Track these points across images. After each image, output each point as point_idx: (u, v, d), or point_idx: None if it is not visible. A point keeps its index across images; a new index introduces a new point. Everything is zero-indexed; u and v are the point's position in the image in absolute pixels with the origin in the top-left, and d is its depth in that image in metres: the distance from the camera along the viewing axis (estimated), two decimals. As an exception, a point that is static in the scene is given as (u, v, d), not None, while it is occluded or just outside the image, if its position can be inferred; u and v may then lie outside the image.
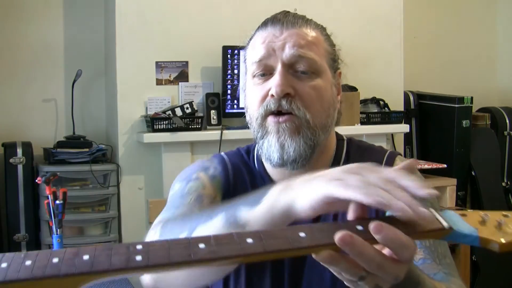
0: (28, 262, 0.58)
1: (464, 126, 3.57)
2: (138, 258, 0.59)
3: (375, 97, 3.48)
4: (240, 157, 1.14)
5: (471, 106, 3.61)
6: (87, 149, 2.93)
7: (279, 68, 1.00)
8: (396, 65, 3.58)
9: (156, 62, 3.00)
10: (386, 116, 3.44)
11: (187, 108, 2.96)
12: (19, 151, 2.86)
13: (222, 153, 1.17)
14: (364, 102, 3.45)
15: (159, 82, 3.02)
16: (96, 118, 3.28)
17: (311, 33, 1.04)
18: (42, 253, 0.60)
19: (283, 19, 1.05)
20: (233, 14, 3.08)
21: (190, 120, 2.94)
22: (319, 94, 1.02)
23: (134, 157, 2.98)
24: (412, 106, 3.77)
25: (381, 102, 3.48)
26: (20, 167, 2.85)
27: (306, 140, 1.00)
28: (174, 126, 2.88)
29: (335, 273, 0.67)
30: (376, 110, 3.47)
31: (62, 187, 2.31)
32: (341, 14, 3.40)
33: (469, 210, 0.72)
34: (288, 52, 1.00)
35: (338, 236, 0.61)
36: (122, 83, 2.95)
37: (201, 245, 0.62)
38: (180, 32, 2.96)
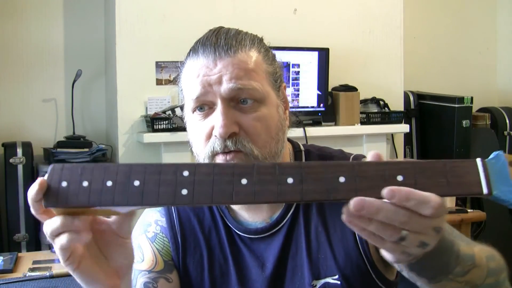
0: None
1: (464, 126, 3.57)
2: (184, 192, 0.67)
3: (375, 97, 3.48)
4: None
5: (471, 106, 3.61)
6: (87, 149, 2.93)
7: (219, 104, 0.94)
8: (396, 65, 3.58)
9: (156, 62, 3.00)
10: (386, 116, 3.44)
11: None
12: (19, 151, 2.86)
13: None
14: (364, 102, 3.45)
15: (159, 82, 3.01)
16: (96, 118, 3.28)
17: (248, 58, 0.96)
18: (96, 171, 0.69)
19: (214, 45, 0.95)
20: (233, 13, 3.08)
21: (190, 120, 2.94)
22: (265, 124, 0.96)
23: (134, 157, 2.98)
24: (412, 106, 3.77)
25: (381, 102, 3.48)
26: (20, 167, 2.85)
27: None
28: (174, 126, 2.88)
29: (376, 244, 0.68)
30: (376, 110, 3.47)
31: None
32: (341, 14, 3.40)
33: None
34: (226, 86, 0.93)
35: (352, 205, 0.64)
36: (122, 83, 2.95)
37: (243, 181, 0.67)
38: (180, 32, 2.96)
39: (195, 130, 0.99)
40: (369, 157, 0.70)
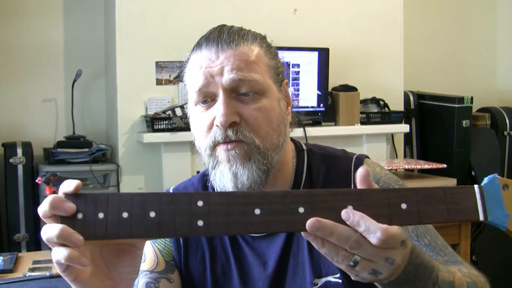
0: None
1: (464, 126, 3.57)
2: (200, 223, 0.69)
3: (375, 97, 3.48)
4: (192, 189, 1.14)
5: (471, 106, 3.61)
6: (87, 149, 2.93)
7: (220, 95, 0.95)
8: (396, 65, 3.58)
9: (156, 62, 3.00)
10: (386, 116, 3.44)
11: (187, 108, 2.95)
12: (19, 151, 2.86)
13: (172, 188, 1.17)
14: (364, 102, 3.45)
15: (159, 82, 3.02)
16: (96, 118, 3.28)
17: (249, 51, 0.98)
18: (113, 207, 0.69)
19: (217, 39, 0.97)
20: (233, 13, 3.08)
21: (190, 120, 2.94)
22: (266, 115, 0.97)
23: (134, 157, 2.98)
24: (412, 106, 3.77)
25: (381, 102, 3.48)
26: (20, 167, 2.85)
27: (259, 166, 0.95)
28: (174, 126, 2.88)
29: (334, 262, 0.72)
30: (376, 110, 3.47)
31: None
32: (341, 14, 3.40)
33: None
34: (227, 77, 0.95)
35: (308, 224, 0.68)
36: (122, 83, 2.95)
37: (257, 211, 0.69)
38: (180, 32, 2.96)
39: (198, 122, 1.00)
40: (358, 174, 0.73)
